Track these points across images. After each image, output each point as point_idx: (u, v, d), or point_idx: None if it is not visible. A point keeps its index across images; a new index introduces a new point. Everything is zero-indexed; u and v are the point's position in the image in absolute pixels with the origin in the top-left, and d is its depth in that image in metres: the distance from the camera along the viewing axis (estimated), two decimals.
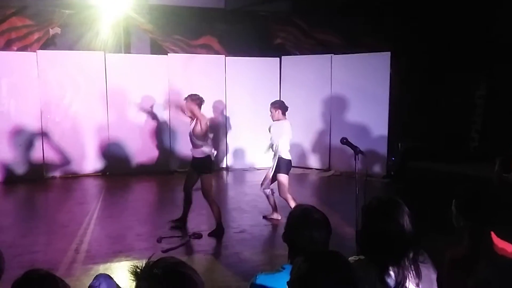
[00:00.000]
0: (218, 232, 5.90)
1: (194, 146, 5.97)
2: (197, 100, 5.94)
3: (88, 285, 2.37)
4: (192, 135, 5.94)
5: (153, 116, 9.70)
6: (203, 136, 5.90)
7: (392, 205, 2.24)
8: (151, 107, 9.62)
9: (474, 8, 9.44)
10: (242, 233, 6.11)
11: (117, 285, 2.44)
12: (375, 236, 2.20)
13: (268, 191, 6.43)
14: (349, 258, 1.88)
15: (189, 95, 6.02)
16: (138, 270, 1.47)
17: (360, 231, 2.31)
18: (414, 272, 2.13)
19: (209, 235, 5.89)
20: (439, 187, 7.98)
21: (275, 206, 6.56)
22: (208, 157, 5.96)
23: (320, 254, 1.73)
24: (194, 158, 6.06)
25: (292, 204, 6.03)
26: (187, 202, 6.26)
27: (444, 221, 2.98)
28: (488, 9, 9.39)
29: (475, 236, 2.56)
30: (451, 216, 2.70)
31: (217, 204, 6.02)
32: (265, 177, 6.45)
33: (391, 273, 2.11)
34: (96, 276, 2.45)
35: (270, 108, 6.37)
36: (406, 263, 2.13)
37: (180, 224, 6.24)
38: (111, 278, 2.44)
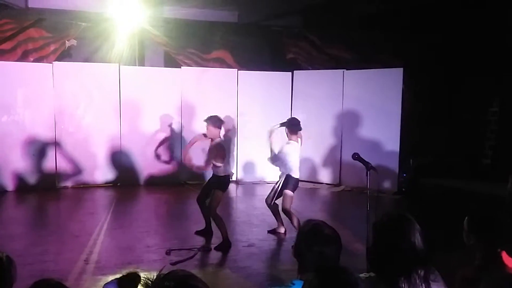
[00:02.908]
0: (224, 246, 5.89)
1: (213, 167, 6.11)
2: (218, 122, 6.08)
3: None
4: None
5: (165, 128, 9.75)
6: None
7: (404, 222, 2.22)
8: (170, 124, 9.72)
9: (487, 24, 9.42)
10: (251, 247, 6.09)
11: None
12: (386, 253, 2.18)
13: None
14: (360, 275, 1.87)
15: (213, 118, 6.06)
16: (149, 282, 1.48)
17: (371, 248, 2.30)
18: None
19: (216, 249, 5.87)
20: (451, 204, 7.91)
21: (281, 219, 6.54)
22: (227, 176, 6.14)
23: (331, 270, 1.73)
24: (213, 176, 6.19)
25: (294, 219, 6.04)
26: (204, 213, 6.34)
27: (455, 239, 2.96)
28: (502, 25, 9.36)
29: (486, 255, 2.54)
30: (463, 234, 2.68)
31: (221, 218, 5.98)
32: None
33: None
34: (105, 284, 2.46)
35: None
36: (417, 281, 2.10)
37: (206, 233, 6.33)
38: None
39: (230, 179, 6.31)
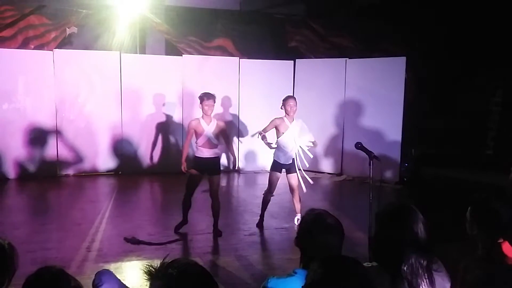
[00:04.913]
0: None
1: (212, 146, 6.04)
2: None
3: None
4: (212, 136, 6.03)
5: (166, 116, 9.74)
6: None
7: (407, 211, 2.22)
8: (163, 104, 9.67)
9: (491, 13, 9.35)
10: (252, 236, 6.11)
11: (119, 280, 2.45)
12: (388, 242, 2.18)
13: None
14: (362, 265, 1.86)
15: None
16: (153, 269, 1.48)
17: (374, 237, 2.29)
18: (427, 280, 2.10)
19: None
20: (452, 195, 7.90)
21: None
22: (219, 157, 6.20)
23: (336, 259, 1.72)
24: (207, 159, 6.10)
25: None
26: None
27: (457, 229, 2.95)
28: (506, 14, 9.29)
29: (489, 245, 2.53)
30: (465, 223, 2.67)
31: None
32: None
33: (404, 281, 2.09)
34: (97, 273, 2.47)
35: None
36: (420, 271, 2.10)
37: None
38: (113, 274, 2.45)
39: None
